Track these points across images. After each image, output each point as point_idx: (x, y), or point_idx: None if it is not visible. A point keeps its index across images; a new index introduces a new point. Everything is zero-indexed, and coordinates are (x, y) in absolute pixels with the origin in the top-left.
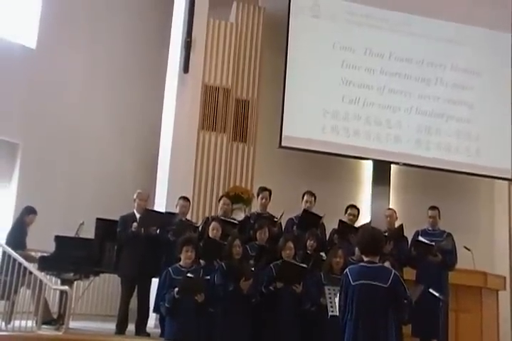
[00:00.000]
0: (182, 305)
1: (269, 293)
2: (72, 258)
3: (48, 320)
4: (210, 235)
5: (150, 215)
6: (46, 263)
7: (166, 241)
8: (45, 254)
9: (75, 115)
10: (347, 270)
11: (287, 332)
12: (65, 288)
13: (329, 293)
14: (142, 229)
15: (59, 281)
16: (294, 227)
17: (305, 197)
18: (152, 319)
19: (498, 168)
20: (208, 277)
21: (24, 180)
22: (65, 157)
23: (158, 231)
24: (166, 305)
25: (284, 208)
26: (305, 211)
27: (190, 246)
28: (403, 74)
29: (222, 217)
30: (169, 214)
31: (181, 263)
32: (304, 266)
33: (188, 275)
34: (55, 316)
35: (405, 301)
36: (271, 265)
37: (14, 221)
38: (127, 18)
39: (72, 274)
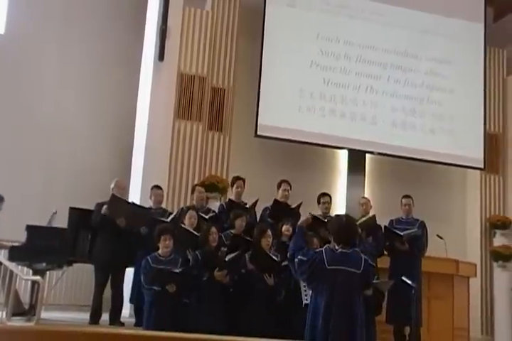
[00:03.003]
0: (160, 295)
1: (242, 276)
2: (44, 247)
3: (18, 311)
4: (187, 223)
5: (118, 201)
6: (17, 253)
7: (138, 234)
8: (15, 244)
9: (47, 103)
10: (323, 250)
11: (262, 320)
12: (37, 278)
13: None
14: (111, 214)
15: (31, 271)
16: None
17: (282, 186)
18: (126, 308)
19: (470, 158)
20: (178, 270)
21: None
22: (37, 146)
23: (125, 223)
24: (149, 298)
25: (260, 197)
26: (276, 201)
27: (167, 235)
28: (378, 64)
29: (197, 212)
30: (140, 208)
31: (160, 252)
32: (276, 259)
33: (158, 266)
34: (26, 307)
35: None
36: (245, 254)
37: None
38: (101, 5)
39: (44, 264)
